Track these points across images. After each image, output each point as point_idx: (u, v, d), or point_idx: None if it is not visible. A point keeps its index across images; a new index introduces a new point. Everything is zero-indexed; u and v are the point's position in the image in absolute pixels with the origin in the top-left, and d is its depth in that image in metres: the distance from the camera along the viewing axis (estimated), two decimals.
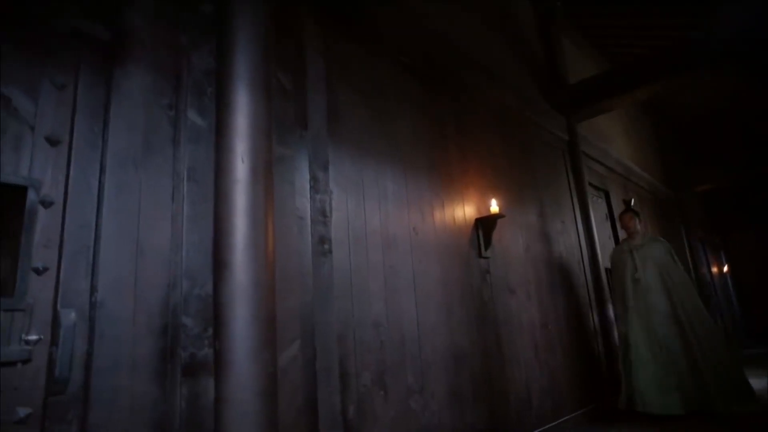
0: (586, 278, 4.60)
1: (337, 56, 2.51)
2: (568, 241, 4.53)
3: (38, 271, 1.42)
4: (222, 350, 1.63)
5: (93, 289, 1.50)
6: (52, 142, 1.53)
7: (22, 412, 1.30)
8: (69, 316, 1.43)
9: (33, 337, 1.37)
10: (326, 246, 2.22)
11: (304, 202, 2.18)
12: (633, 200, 4.74)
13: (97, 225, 1.56)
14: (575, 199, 4.85)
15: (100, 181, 1.61)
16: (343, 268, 2.29)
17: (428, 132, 3.08)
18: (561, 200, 4.63)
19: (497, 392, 3.04)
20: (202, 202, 1.81)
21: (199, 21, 2.00)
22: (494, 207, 3.25)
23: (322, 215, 2.23)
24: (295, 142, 2.22)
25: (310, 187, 2.23)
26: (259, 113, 1.89)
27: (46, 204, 1.48)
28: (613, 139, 6.49)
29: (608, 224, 5.76)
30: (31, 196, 1.44)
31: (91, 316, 1.48)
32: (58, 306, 1.43)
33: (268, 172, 1.87)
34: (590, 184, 5.28)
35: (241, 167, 1.79)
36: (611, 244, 5.52)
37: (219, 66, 1.93)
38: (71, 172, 1.56)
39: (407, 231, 2.73)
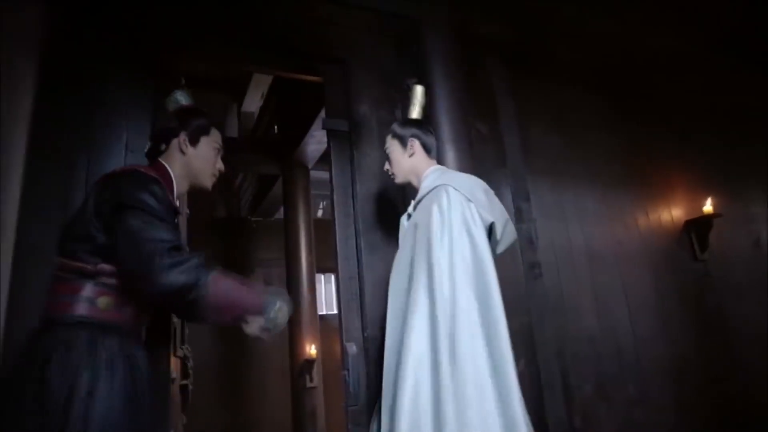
0: None
1: (524, 94, 2.71)
2: None
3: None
4: None
5: (364, 326, 1.99)
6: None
7: None
8: (352, 348, 1.94)
9: None
10: (537, 270, 2.44)
11: None
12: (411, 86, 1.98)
13: (359, 276, 2.06)
14: None
15: (356, 242, 2.11)
16: (554, 288, 2.49)
17: (620, 146, 3.05)
18: None
19: (726, 401, 2.86)
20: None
21: (407, 96, 2.41)
22: (708, 206, 3.07)
23: (529, 242, 2.47)
24: (497, 180, 2.49)
25: (516, 218, 2.47)
26: (464, 165, 2.21)
27: None
28: None
29: None
30: None
31: (365, 347, 1.97)
32: (344, 341, 1.95)
33: None
34: None
35: None
36: None
37: None
38: (337, 237, 2.09)
39: (611, 245, 2.78)
